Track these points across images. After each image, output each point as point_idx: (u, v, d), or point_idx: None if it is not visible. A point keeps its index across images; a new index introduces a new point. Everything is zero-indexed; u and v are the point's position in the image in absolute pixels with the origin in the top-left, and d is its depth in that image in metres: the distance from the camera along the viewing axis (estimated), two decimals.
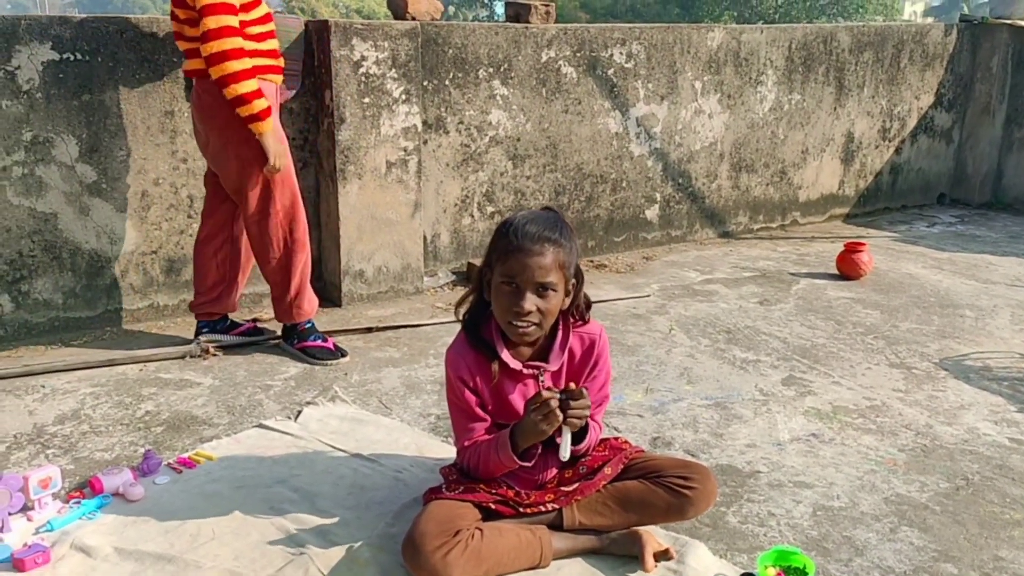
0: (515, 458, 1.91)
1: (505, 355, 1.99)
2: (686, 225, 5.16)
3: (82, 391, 2.95)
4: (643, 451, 2.25)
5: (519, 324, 1.89)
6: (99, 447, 2.56)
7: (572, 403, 1.86)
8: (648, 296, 4.13)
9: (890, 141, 5.95)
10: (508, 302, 1.89)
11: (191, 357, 3.25)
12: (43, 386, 2.98)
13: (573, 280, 1.97)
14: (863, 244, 4.50)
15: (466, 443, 2.02)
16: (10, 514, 2.08)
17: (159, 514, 2.17)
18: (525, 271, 1.86)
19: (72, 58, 3.27)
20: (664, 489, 2.01)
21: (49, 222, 3.35)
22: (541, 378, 2.03)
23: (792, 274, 4.57)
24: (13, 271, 3.33)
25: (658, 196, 4.96)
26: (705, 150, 5.08)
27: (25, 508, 2.12)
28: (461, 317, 2.05)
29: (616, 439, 2.22)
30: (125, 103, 3.40)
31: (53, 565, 1.96)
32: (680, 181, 5.03)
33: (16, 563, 1.93)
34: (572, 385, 1.90)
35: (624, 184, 4.80)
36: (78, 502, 2.20)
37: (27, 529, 2.08)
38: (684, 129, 4.95)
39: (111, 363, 3.17)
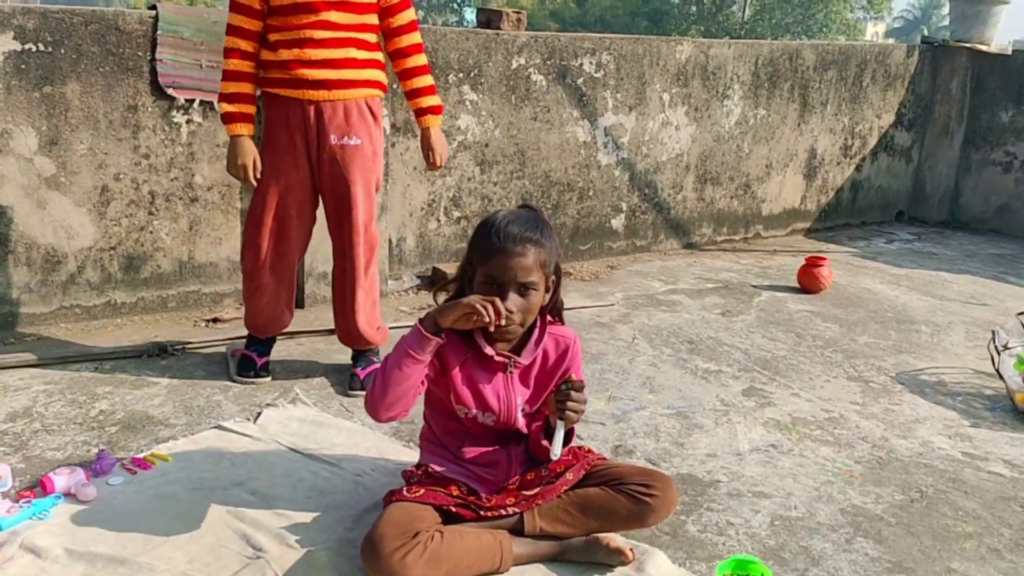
0: (423, 333, 1.87)
1: (480, 340, 1.99)
2: (651, 235, 5.19)
3: (35, 388, 2.88)
4: (605, 458, 2.25)
5: (501, 323, 1.89)
6: (51, 446, 2.50)
7: (573, 394, 1.87)
8: (612, 305, 4.15)
9: (851, 158, 6.06)
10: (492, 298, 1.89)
11: (149, 356, 3.19)
12: None
13: (553, 277, 1.99)
14: (823, 258, 4.57)
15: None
16: None
17: (112, 515, 2.12)
18: (507, 272, 1.88)
19: (34, 49, 3.21)
20: (625, 496, 2.02)
21: (5, 215, 3.28)
22: (511, 369, 2.03)
23: (754, 286, 4.62)
24: None
25: (624, 206, 5.00)
26: (671, 161, 5.13)
27: None
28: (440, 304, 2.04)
29: (579, 447, 2.22)
30: (87, 96, 3.33)
31: (1, 565, 1.90)
32: (646, 191, 5.07)
33: None
34: (573, 376, 1.93)
35: (591, 193, 4.82)
36: (28, 501, 2.14)
37: None
38: (651, 140, 4.99)
39: (65, 360, 3.10)
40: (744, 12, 43.41)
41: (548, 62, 4.45)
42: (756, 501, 2.41)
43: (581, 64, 4.58)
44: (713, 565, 2.06)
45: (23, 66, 3.20)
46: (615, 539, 2.02)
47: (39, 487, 2.22)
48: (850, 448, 2.77)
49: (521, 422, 2.08)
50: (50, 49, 3.24)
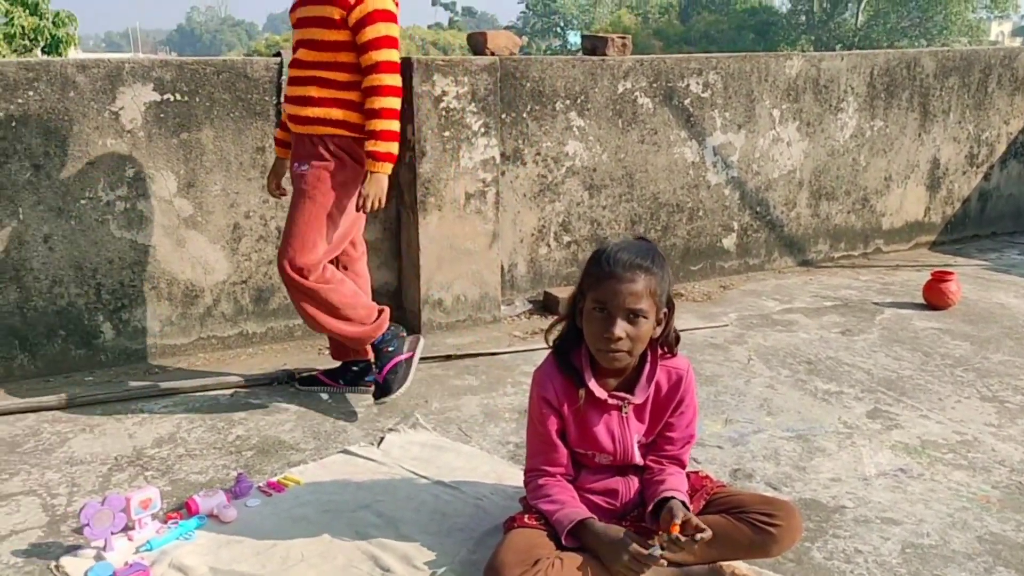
0: (565, 536, 1.93)
1: (592, 384, 2.01)
2: (764, 254, 5.10)
3: (177, 415, 3.09)
4: (724, 485, 2.23)
5: (609, 350, 1.92)
6: (194, 470, 2.67)
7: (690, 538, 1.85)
8: (726, 326, 4.09)
9: (978, 167, 5.78)
10: (599, 328, 1.92)
11: (279, 384, 3.36)
12: (142, 410, 3.13)
13: (664, 309, 1.99)
14: (951, 273, 4.37)
15: (540, 481, 2.05)
16: (112, 533, 2.18)
17: (251, 536, 2.25)
18: (616, 297, 1.89)
19: (172, 99, 3.46)
20: (747, 525, 1.99)
21: (148, 253, 3.53)
22: (625, 410, 2.05)
23: (876, 303, 4.46)
24: (115, 300, 3.51)
25: (735, 225, 4.93)
26: (783, 178, 5.03)
27: (126, 528, 2.22)
28: (551, 342, 2.09)
29: (697, 473, 2.21)
30: (220, 140, 3.57)
31: None
32: (758, 209, 4.99)
33: None
34: (692, 537, 1.85)
35: (701, 213, 4.78)
36: (175, 523, 2.30)
37: (128, 548, 2.19)
38: (762, 157, 4.91)
39: (204, 389, 3.30)
40: (857, 18, 42.02)
41: (654, 85, 4.47)
42: (885, 528, 2.33)
43: (687, 85, 4.57)
44: None
45: (162, 115, 3.46)
46: (739, 567, 2.00)
47: (184, 509, 2.37)
48: (986, 472, 2.64)
49: (638, 457, 2.08)
50: (186, 98, 3.49)
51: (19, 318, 3.37)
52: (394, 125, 2.89)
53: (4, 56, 12.59)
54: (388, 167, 2.92)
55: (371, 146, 2.88)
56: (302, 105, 2.92)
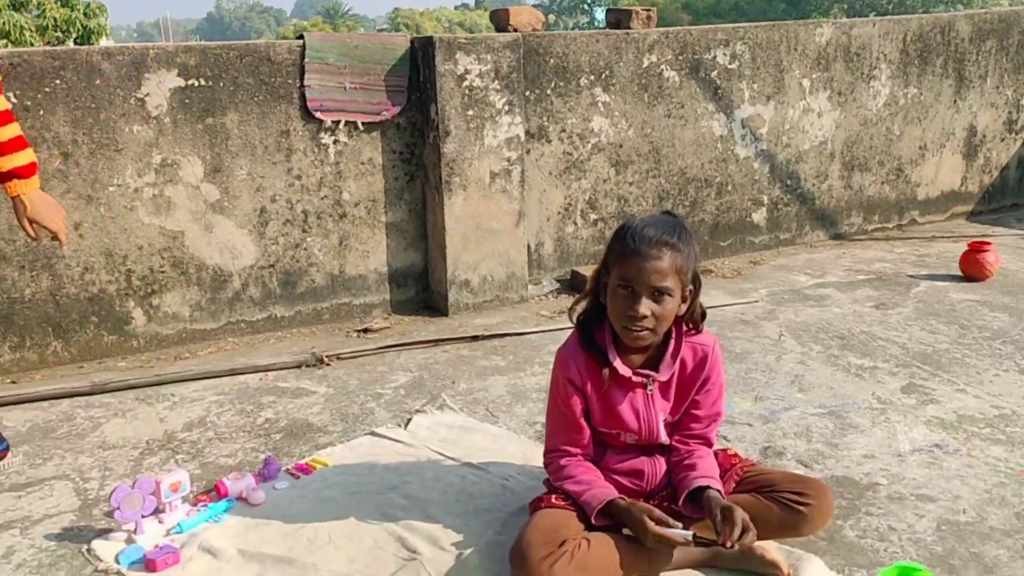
0: (595, 516, 1.92)
1: (616, 362, 1.98)
2: (795, 227, 5.01)
3: (208, 399, 3.11)
4: (755, 464, 2.20)
5: (633, 328, 1.89)
6: (223, 453, 2.70)
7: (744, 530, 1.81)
8: (756, 302, 4.03)
9: (1017, 134, 5.62)
10: (623, 306, 1.89)
11: (307, 367, 3.38)
12: (172, 394, 3.16)
13: (690, 286, 1.95)
14: (989, 243, 4.26)
15: (563, 462, 2.03)
16: (143, 516, 2.21)
17: (279, 518, 2.27)
18: (641, 275, 1.86)
19: (196, 84, 3.47)
20: (778, 505, 1.96)
21: (177, 239, 3.56)
22: (650, 388, 2.02)
23: (911, 276, 4.37)
24: (145, 286, 3.54)
25: (765, 199, 4.85)
26: (814, 149, 4.93)
27: (157, 511, 2.25)
28: (575, 319, 2.06)
29: (726, 451, 2.18)
30: (244, 125, 3.57)
31: (183, 566, 2.07)
32: (788, 183, 4.90)
33: (148, 563, 2.05)
34: (728, 544, 1.81)
35: (729, 187, 4.71)
36: (205, 505, 2.32)
37: (158, 531, 2.21)
38: (792, 129, 4.81)
39: (233, 372, 3.33)
40: None
41: (680, 57, 4.39)
42: (920, 505, 2.28)
43: (714, 56, 4.48)
44: (874, 572, 1.97)
45: (187, 100, 3.47)
46: (770, 550, 1.96)
47: (214, 491, 2.39)
48: None
49: (663, 436, 2.05)
50: (210, 83, 3.49)
51: (52, 305, 3.41)
52: (12, 131, 2.38)
53: (37, 47, 12.76)
54: (35, 183, 2.46)
55: (12, 162, 2.37)
56: None
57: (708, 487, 1.93)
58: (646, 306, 1.86)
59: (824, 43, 4.79)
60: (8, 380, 3.35)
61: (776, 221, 4.93)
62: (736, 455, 2.17)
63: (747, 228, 4.84)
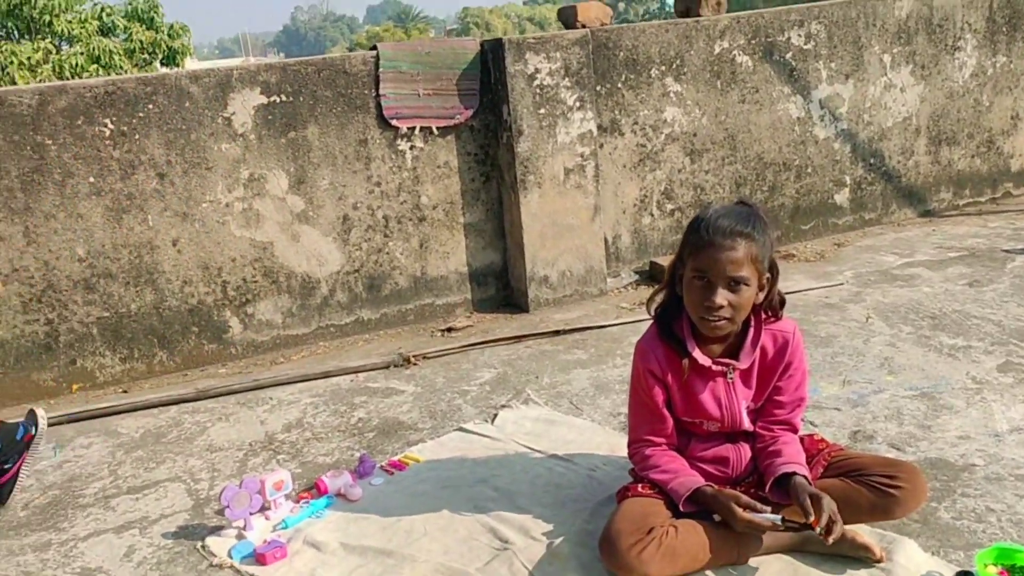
0: (683, 503, 1.94)
1: (696, 352, 2.00)
2: (881, 207, 4.88)
3: (303, 401, 3.25)
4: (842, 448, 2.18)
5: (710, 318, 1.90)
6: (321, 452, 2.82)
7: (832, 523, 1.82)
8: (841, 284, 3.96)
9: None
10: (699, 296, 1.90)
11: (395, 367, 3.49)
12: (270, 398, 3.31)
13: (767, 274, 1.95)
14: None
15: (647, 452, 2.05)
16: (251, 514, 2.33)
17: (376, 512, 2.36)
18: (716, 265, 1.87)
19: (278, 100, 3.62)
20: (868, 488, 1.95)
21: (267, 250, 3.72)
22: (731, 376, 2.03)
23: (1006, 251, 4.22)
24: (240, 296, 3.72)
25: (848, 179, 4.74)
26: (898, 126, 4.79)
27: (263, 508, 2.37)
28: (653, 311, 2.09)
29: (812, 436, 2.17)
30: (325, 136, 3.70)
31: (290, 559, 2.18)
32: (872, 161, 4.78)
33: (259, 558, 2.18)
34: (818, 530, 1.82)
35: (809, 170, 4.63)
36: (307, 502, 2.44)
37: (266, 527, 2.33)
38: (873, 106, 4.70)
39: (326, 375, 3.46)
40: None
41: (752, 41, 4.34)
42: (1020, 485, 2.22)
43: (788, 38, 4.41)
44: (971, 554, 1.94)
45: (270, 117, 3.62)
46: (861, 533, 1.95)
47: (314, 489, 2.51)
48: None
49: (746, 423, 2.06)
50: (291, 98, 3.64)
51: (156, 318, 3.61)
52: None
53: (126, 70, 13.39)
54: None
55: None
56: None
57: (795, 473, 1.93)
58: (722, 296, 1.87)
59: (904, 16, 4.65)
60: (120, 390, 3.57)
61: (860, 201, 4.82)
62: (823, 440, 2.16)
63: (829, 210, 4.75)
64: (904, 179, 4.90)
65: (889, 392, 2.84)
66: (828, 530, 1.82)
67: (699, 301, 1.90)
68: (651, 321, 2.11)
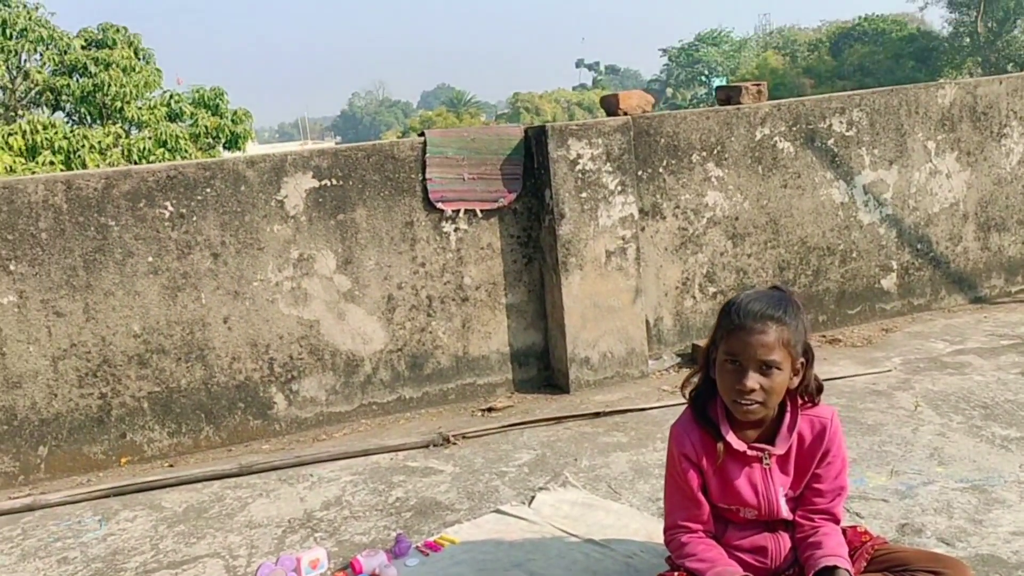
0: None
1: (730, 436, 1.99)
2: (930, 292, 4.82)
3: (343, 479, 3.27)
4: (887, 542, 2.12)
5: (742, 402, 1.90)
6: (358, 531, 2.82)
7: None
8: (889, 371, 3.89)
9: None
10: (731, 380, 1.91)
11: (434, 446, 3.50)
12: (311, 475, 3.34)
13: (801, 359, 1.95)
14: None
15: (684, 539, 2.02)
16: None
17: None
18: (747, 349, 1.88)
19: (329, 184, 3.76)
20: None
21: (313, 328, 3.81)
22: (767, 462, 2.00)
23: None
24: (285, 372, 3.79)
25: (894, 264, 4.70)
26: (945, 212, 4.77)
27: None
28: (688, 395, 2.09)
29: (855, 528, 2.12)
30: (372, 219, 3.82)
31: None
32: (919, 246, 4.74)
33: None
34: None
35: (854, 254, 4.60)
36: None
37: None
38: (919, 192, 4.69)
39: (366, 453, 3.49)
40: None
41: (794, 128, 4.39)
42: None
43: (830, 125, 4.46)
44: None
45: (320, 200, 3.75)
46: None
47: (349, 568, 2.51)
48: None
49: (785, 511, 2.02)
50: (341, 182, 3.78)
51: (204, 394, 3.70)
52: None
53: (191, 153, 13.99)
54: None
55: None
56: None
57: (836, 567, 1.89)
58: (753, 380, 1.87)
59: (948, 104, 4.68)
60: (167, 464, 3.63)
61: (908, 286, 4.76)
62: (867, 532, 2.10)
63: (876, 295, 4.70)
64: (953, 265, 4.84)
65: (939, 484, 2.76)
66: None
67: (731, 385, 1.90)
68: (685, 405, 2.11)
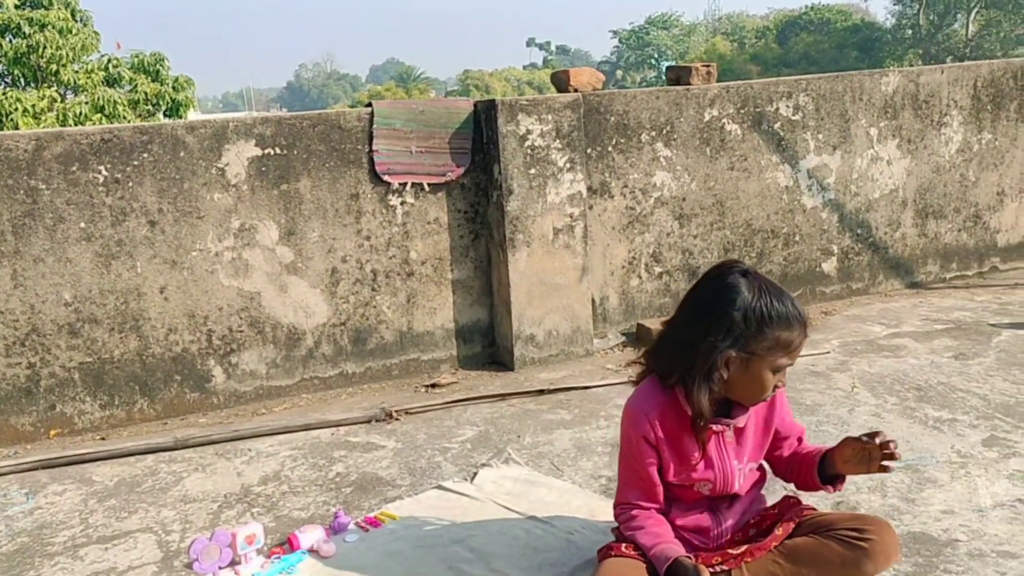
0: (663, 571, 1.91)
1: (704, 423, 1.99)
2: (868, 277, 4.92)
3: (282, 454, 3.21)
4: (815, 508, 2.16)
5: (765, 396, 1.94)
6: (296, 506, 2.77)
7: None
8: (827, 353, 3.96)
9: None
10: (771, 381, 1.91)
11: (376, 421, 3.46)
12: (249, 449, 3.27)
13: None
14: None
15: (634, 513, 2.02)
16: (220, 568, 2.29)
17: (349, 569, 2.32)
18: (799, 349, 1.92)
19: (272, 152, 3.66)
20: (837, 542, 1.92)
21: (254, 300, 3.72)
22: (729, 435, 2.01)
23: (993, 325, 4.23)
24: (224, 345, 3.70)
25: (835, 248, 4.78)
26: (885, 198, 4.86)
27: (233, 562, 2.33)
28: (636, 377, 2.07)
29: (787, 498, 2.15)
30: (317, 189, 3.74)
31: None
32: (859, 232, 4.83)
33: None
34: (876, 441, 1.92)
35: (797, 238, 4.67)
36: (278, 557, 2.39)
37: None
38: (860, 178, 4.77)
39: (307, 428, 3.43)
40: (968, 28, 40.41)
41: (742, 111, 4.42)
42: (1003, 562, 2.19)
43: (777, 109, 4.50)
44: None
45: (263, 168, 3.65)
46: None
47: (287, 544, 2.46)
48: None
49: (737, 485, 2.04)
50: (285, 151, 3.68)
51: (139, 365, 3.59)
52: None
53: (129, 120, 13.55)
54: None
55: None
56: None
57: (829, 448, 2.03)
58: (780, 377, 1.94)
59: (891, 92, 4.76)
60: (98, 436, 3.52)
61: (847, 271, 4.85)
62: (798, 500, 2.13)
63: (817, 278, 4.78)
64: (891, 250, 4.95)
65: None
66: (891, 454, 1.89)
67: (769, 385, 1.91)
68: (637, 386, 2.08)
